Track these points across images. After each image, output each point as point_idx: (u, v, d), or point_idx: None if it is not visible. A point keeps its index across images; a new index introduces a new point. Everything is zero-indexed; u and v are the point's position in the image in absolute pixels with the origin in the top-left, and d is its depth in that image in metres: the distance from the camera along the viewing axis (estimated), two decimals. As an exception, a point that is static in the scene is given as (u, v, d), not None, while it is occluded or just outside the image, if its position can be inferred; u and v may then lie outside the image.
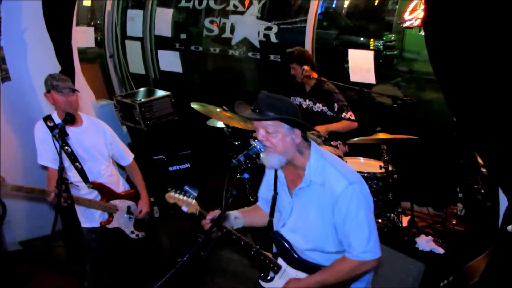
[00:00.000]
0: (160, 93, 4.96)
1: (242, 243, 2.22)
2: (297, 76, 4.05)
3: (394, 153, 3.68)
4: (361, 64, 4.49)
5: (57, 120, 3.10)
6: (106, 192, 3.24)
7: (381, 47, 4.64)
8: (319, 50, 4.87)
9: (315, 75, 4.02)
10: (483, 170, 3.39)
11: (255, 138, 4.11)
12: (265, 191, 2.40)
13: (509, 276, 2.44)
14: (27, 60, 4.34)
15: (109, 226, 3.25)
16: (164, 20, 5.93)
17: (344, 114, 3.90)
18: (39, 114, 3.33)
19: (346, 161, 3.71)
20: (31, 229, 4.37)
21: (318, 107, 4.01)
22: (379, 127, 3.62)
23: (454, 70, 2.35)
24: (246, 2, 5.23)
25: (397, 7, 4.53)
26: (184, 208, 2.24)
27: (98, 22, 6.40)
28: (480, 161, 3.30)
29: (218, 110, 4.19)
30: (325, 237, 2.09)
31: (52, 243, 4.16)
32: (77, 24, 5.12)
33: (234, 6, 5.30)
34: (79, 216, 3.25)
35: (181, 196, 2.27)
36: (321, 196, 2.03)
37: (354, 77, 4.52)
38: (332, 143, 4.03)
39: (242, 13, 5.27)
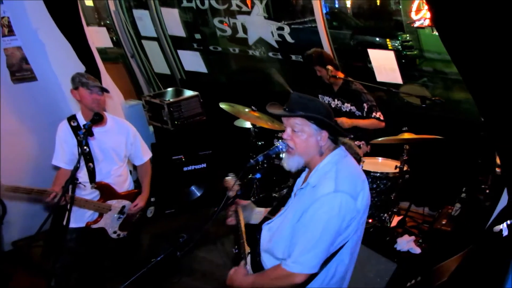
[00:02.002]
0: (188, 93, 4.94)
1: (241, 240, 2.18)
2: (324, 78, 4.05)
3: (416, 153, 3.63)
4: (384, 64, 4.47)
5: (81, 119, 3.10)
6: (107, 192, 3.19)
7: (400, 47, 4.63)
8: (338, 50, 4.85)
9: (341, 75, 4.02)
10: (498, 170, 3.27)
11: (279, 138, 4.16)
12: None
13: (477, 277, 2.33)
14: (50, 60, 4.29)
15: (94, 226, 3.18)
16: (173, 20, 5.87)
17: (374, 114, 3.91)
18: (68, 114, 3.29)
19: (364, 161, 3.79)
20: (25, 229, 4.30)
21: (347, 106, 4.03)
22: (405, 127, 3.62)
23: (479, 69, 2.22)
24: (248, 2, 5.21)
25: (400, 6, 4.54)
26: (229, 193, 2.18)
27: (108, 22, 6.36)
28: (498, 161, 3.21)
29: (247, 110, 4.21)
30: (283, 241, 1.97)
31: (34, 242, 4.08)
32: (87, 25, 5.05)
33: (238, 6, 5.27)
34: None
35: (234, 181, 2.25)
36: (306, 199, 1.92)
37: (380, 77, 4.50)
38: (355, 143, 4.03)
39: (248, 13, 5.25)
